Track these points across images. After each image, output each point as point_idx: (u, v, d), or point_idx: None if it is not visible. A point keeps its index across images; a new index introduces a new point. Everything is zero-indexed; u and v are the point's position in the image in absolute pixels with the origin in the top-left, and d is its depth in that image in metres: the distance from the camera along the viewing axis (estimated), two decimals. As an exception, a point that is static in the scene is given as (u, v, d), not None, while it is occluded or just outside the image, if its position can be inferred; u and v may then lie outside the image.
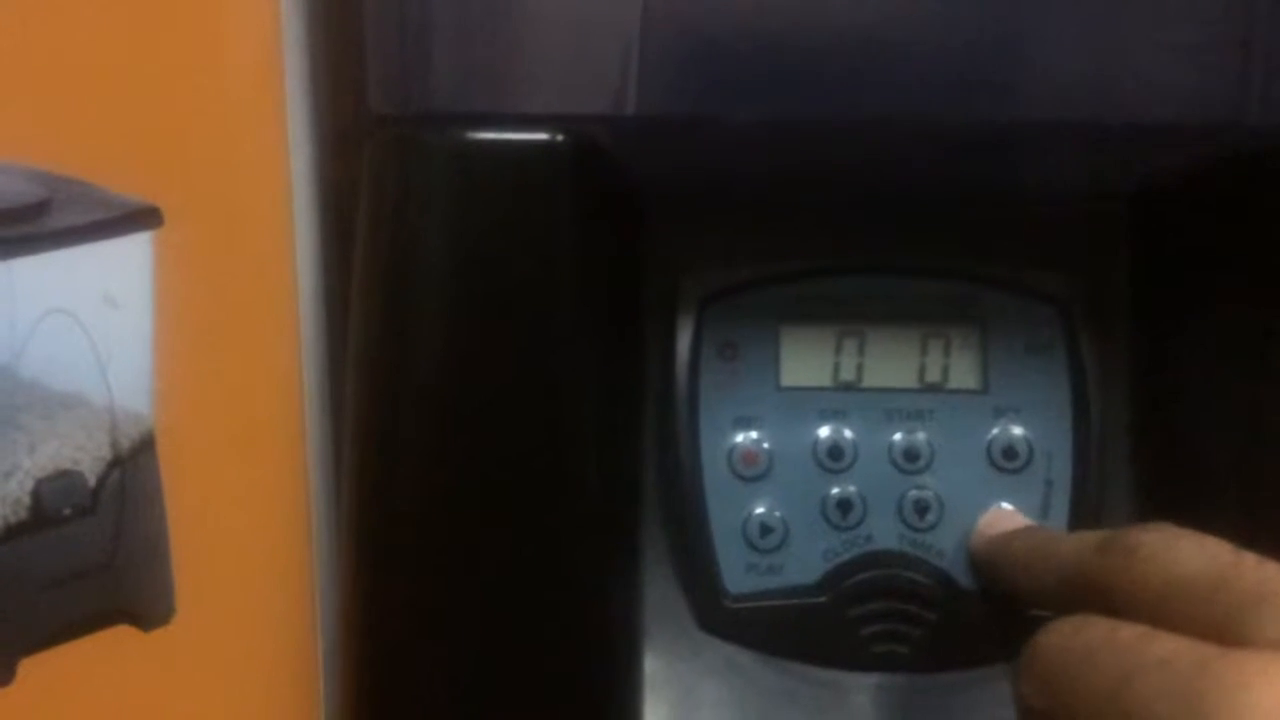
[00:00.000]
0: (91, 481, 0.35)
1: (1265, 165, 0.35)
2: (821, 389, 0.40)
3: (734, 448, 0.39)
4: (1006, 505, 0.39)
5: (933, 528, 0.39)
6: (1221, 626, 0.26)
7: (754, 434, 0.39)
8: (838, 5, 0.33)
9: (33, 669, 0.34)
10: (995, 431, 0.39)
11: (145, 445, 0.36)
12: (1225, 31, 0.33)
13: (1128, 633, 0.27)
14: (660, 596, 0.39)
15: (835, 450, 0.39)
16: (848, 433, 0.39)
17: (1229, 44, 0.33)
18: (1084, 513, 0.39)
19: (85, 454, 0.35)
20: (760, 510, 0.39)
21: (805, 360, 0.40)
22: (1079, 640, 0.28)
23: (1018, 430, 0.39)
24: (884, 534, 0.39)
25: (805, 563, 0.39)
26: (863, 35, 0.33)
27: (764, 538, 0.39)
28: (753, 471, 0.39)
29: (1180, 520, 0.35)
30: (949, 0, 0.33)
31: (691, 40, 0.33)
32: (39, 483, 0.34)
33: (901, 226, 0.40)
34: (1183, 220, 0.38)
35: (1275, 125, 0.33)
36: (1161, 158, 0.37)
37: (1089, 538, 0.31)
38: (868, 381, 0.40)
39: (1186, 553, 0.28)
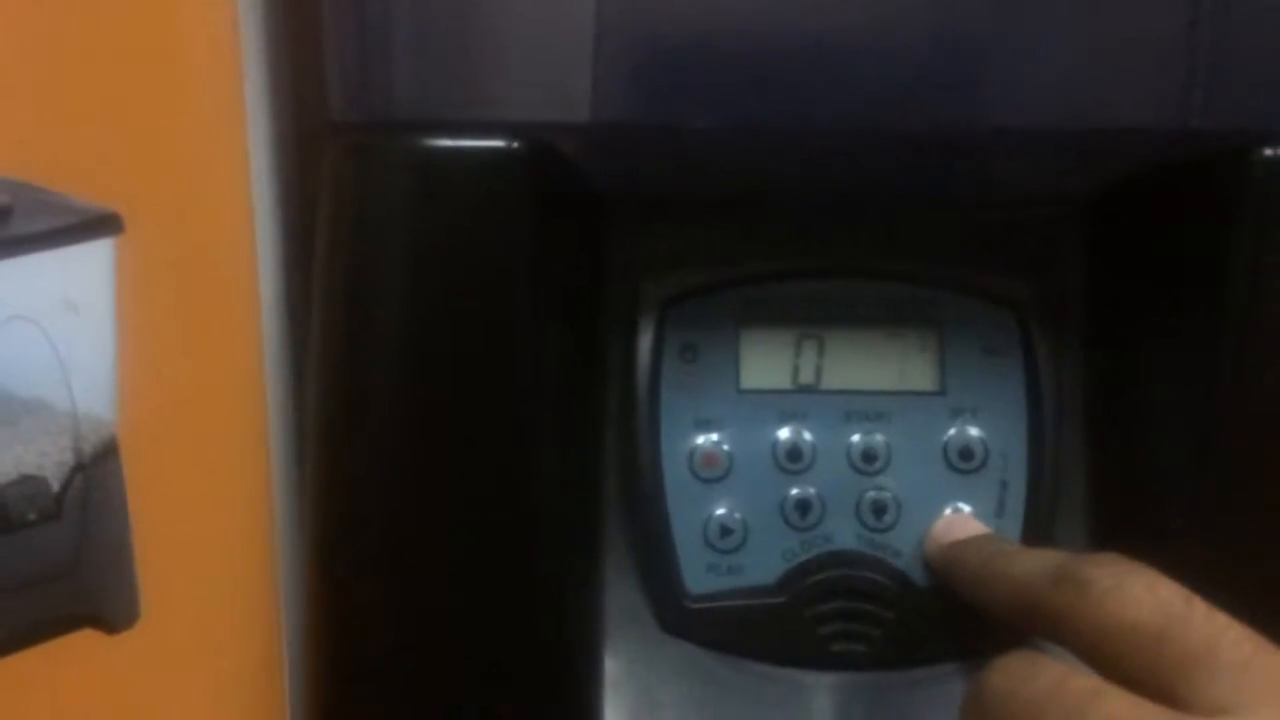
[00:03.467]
0: (55, 486, 0.35)
1: (1210, 169, 0.35)
2: (781, 391, 0.40)
3: (694, 449, 0.40)
4: (963, 507, 0.39)
5: (890, 528, 0.39)
6: (1166, 682, 0.26)
7: (714, 436, 0.40)
8: (792, 12, 0.33)
9: (-3, 673, 0.34)
10: (952, 432, 0.40)
11: (108, 450, 0.36)
12: (1169, 38, 0.33)
13: (1076, 685, 0.27)
14: (621, 597, 0.40)
15: (794, 452, 0.40)
16: (807, 434, 0.40)
17: (1173, 50, 0.33)
18: (1038, 512, 0.39)
19: (48, 459, 0.35)
20: (720, 511, 0.40)
21: (765, 363, 0.40)
22: (1027, 689, 0.28)
23: (974, 431, 0.40)
24: (842, 534, 0.39)
25: (765, 563, 0.39)
26: (818, 42, 0.34)
27: (724, 538, 0.39)
28: (713, 473, 0.40)
29: (1134, 524, 0.36)
30: (904, 8, 0.34)
31: (646, 47, 0.33)
32: (3, 488, 0.34)
33: (860, 230, 0.40)
34: (1135, 224, 0.39)
35: (1219, 130, 0.34)
36: (1112, 162, 0.37)
37: (1040, 562, 0.32)
38: (826, 384, 0.40)
39: (1136, 597, 0.28)
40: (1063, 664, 0.28)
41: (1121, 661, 0.27)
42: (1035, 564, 0.32)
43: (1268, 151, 0.34)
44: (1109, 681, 0.27)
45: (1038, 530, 0.39)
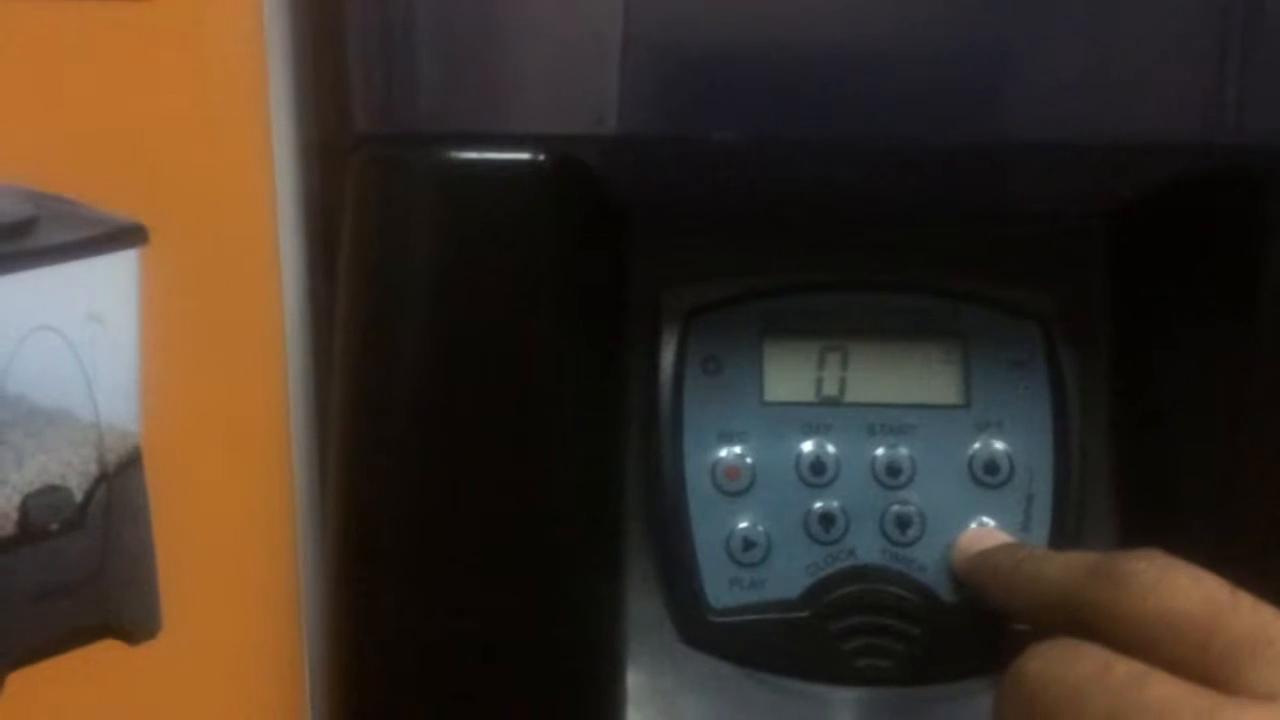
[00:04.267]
0: (78, 497, 0.35)
1: (1237, 183, 0.35)
2: (804, 404, 0.40)
3: (717, 462, 0.40)
4: (988, 521, 0.39)
5: (915, 542, 0.39)
6: (1215, 670, 0.26)
7: (737, 449, 0.40)
8: (817, 25, 0.33)
9: (20, 683, 0.34)
10: (977, 446, 0.39)
11: (132, 461, 0.36)
12: (1198, 52, 0.33)
13: (1122, 670, 0.26)
14: (643, 610, 0.39)
15: (818, 465, 0.39)
16: (830, 447, 0.40)
17: (1202, 65, 0.33)
18: (1065, 527, 0.39)
19: (72, 469, 0.35)
20: (743, 525, 0.39)
21: (788, 375, 0.40)
22: (1070, 673, 0.27)
23: (999, 445, 0.39)
24: (866, 548, 0.39)
25: (788, 577, 0.39)
26: (843, 54, 0.34)
27: (747, 552, 0.39)
28: (736, 486, 0.39)
29: (1161, 535, 0.36)
30: (929, 21, 0.34)
31: (672, 59, 0.33)
32: (26, 498, 0.34)
33: (883, 242, 0.40)
34: (1161, 237, 0.39)
35: (1246, 144, 0.34)
36: (1138, 176, 0.37)
37: (1076, 560, 0.31)
38: (850, 396, 0.40)
39: (1182, 588, 0.27)
40: (1106, 650, 0.27)
41: (1167, 652, 0.27)
42: (1071, 561, 0.31)
43: (1299, 165, 0.34)
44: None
45: (1064, 545, 0.39)
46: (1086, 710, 0.26)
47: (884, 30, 0.34)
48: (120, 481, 0.36)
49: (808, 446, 0.40)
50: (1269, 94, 0.33)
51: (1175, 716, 0.25)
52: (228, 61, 0.36)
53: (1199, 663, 0.26)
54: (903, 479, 0.39)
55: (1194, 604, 0.27)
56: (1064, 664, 0.28)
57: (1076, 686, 0.27)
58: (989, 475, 0.39)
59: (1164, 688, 0.25)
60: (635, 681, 0.39)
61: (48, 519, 0.35)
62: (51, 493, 0.35)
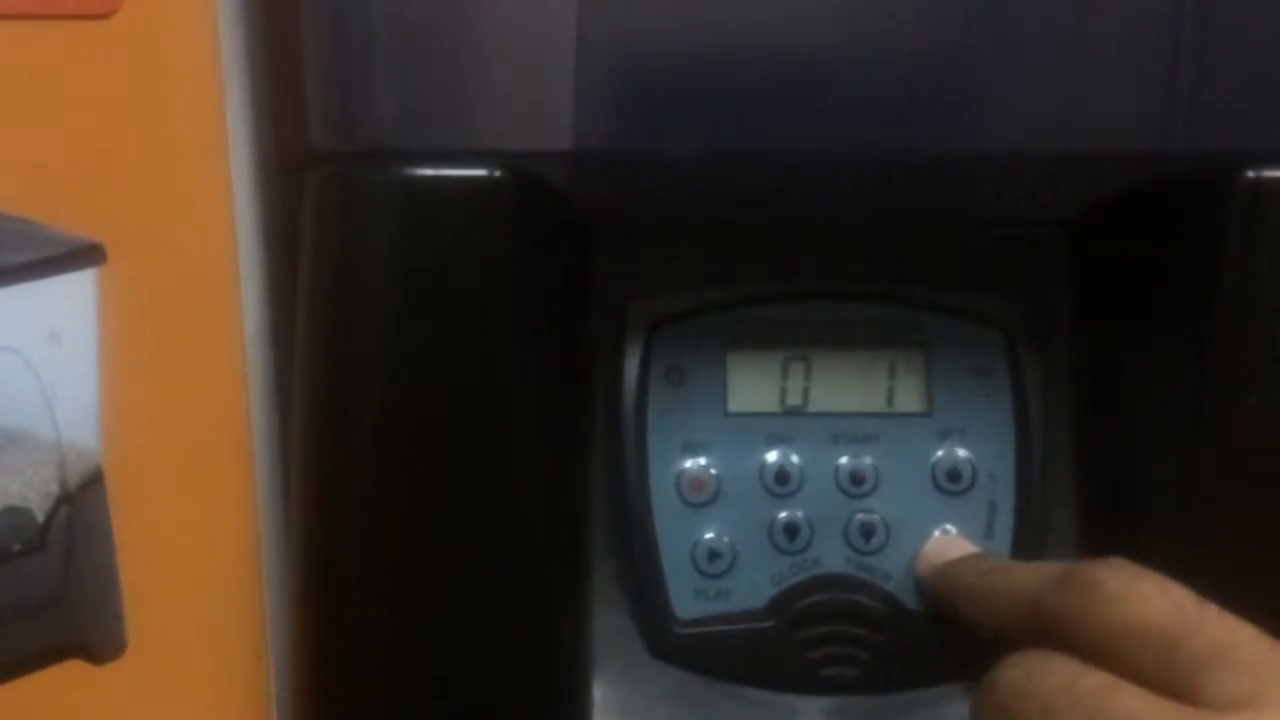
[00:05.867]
0: (40, 518, 0.35)
1: (1192, 191, 0.36)
2: (768, 414, 0.40)
3: (682, 473, 0.40)
4: (951, 529, 0.39)
5: (879, 550, 0.39)
6: (1181, 680, 0.26)
7: (702, 460, 0.40)
8: (772, 37, 0.33)
9: (-16, 704, 0.34)
10: (939, 454, 0.40)
11: (93, 481, 0.36)
12: (1151, 62, 0.33)
13: (1090, 682, 0.27)
14: (609, 623, 0.40)
15: (782, 475, 0.39)
16: (794, 457, 0.40)
17: (1155, 75, 0.33)
18: (1027, 533, 0.39)
19: (33, 490, 0.35)
20: (709, 536, 0.39)
21: (752, 385, 0.40)
22: (1040, 685, 0.27)
23: (962, 453, 0.40)
24: (831, 557, 0.39)
25: (753, 587, 0.39)
26: (800, 66, 0.34)
27: (712, 563, 0.39)
28: (701, 497, 0.40)
29: (1123, 542, 0.36)
30: (887, 32, 0.34)
31: (627, 73, 0.33)
32: (-13, 519, 0.34)
33: (846, 252, 0.40)
34: (1121, 244, 0.39)
35: (1201, 152, 0.34)
36: (1095, 184, 0.37)
37: (1043, 570, 0.31)
38: (814, 406, 0.40)
39: (1148, 597, 0.28)
40: (1075, 661, 0.28)
41: (1134, 661, 0.27)
42: (1037, 571, 0.32)
43: (1250, 173, 0.34)
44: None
45: (1027, 551, 0.39)
46: None
47: (842, 41, 0.34)
48: (82, 501, 0.36)
49: (772, 457, 0.40)
50: (1219, 104, 0.34)
51: None
52: (184, 80, 0.36)
53: (1166, 672, 0.26)
54: (866, 488, 0.39)
55: (1161, 614, 0.27)
56: (1034, 676, 0.28)
57: (1046, 699, 0.27)
58: (952, 483, 0.39)
59: (1131, 699, 0.26)
60: (602, 693, 0.39)
61: (9, 540, 0.35)
62: (13, 514, 0.35)
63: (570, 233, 0.38)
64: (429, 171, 0.34)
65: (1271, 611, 0.28)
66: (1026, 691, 0.28)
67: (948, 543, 0.39)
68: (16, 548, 0.35)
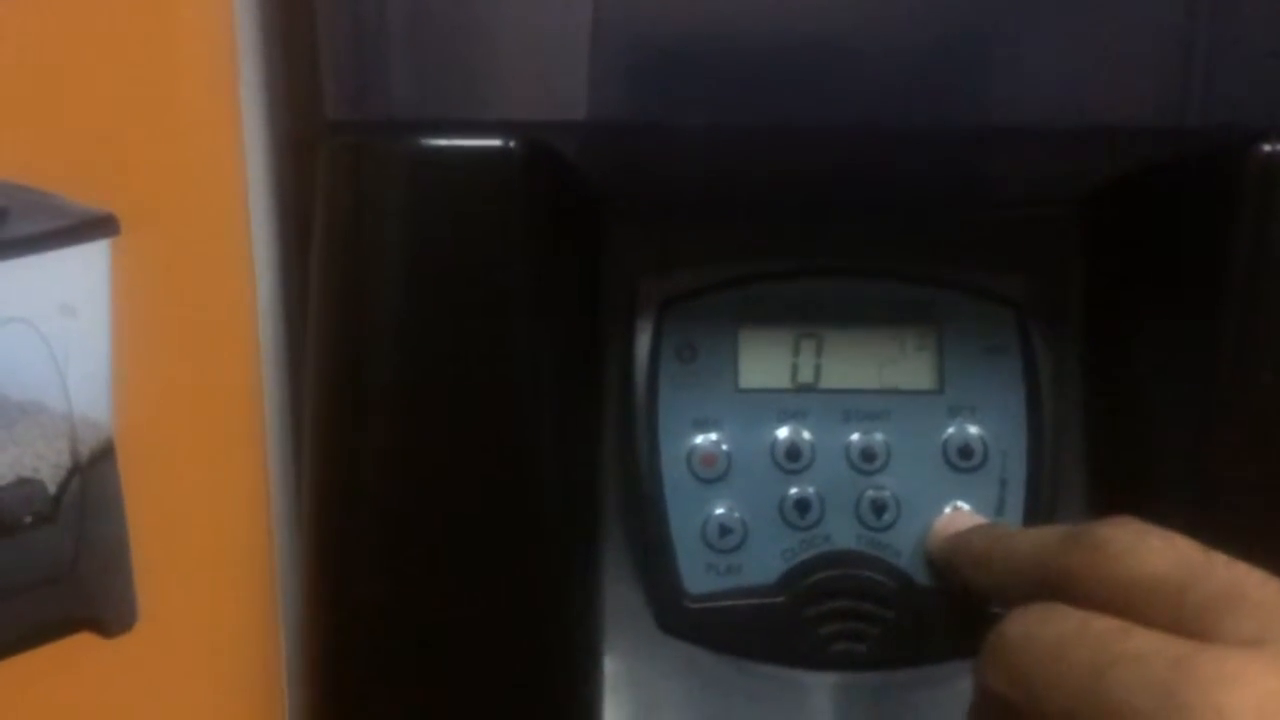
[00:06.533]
0: (52, 489, 0.35)
1: (1205, 166, 0.35)
2: (780, 390, 0.40)
3: (693, 449, 0.40)
4: (963, 505, 0.39)
5: (890, 527, 0.39)
6: (1191, 625, 0.26)
7: (713, 436, 0.40)
8: (787, 10, 0.33)
9: (-5, 677, 0.34)
10: (951, 431, 0.40)
11: (105, 453, 0.36)
12: (1166, 36, 0.33)
13: (1100, 625, 0.27)
14: (620, 597, 0.40)
15: (793, 451, 0.39)
16: (806, 434, 0.40)
17: (1170, 48, 0.33)
18: (1038, 510, 0.39)
19: (45, 462, 0.35)
20: (719, 511, 0.39)
21: (763, 362, 0.40)
22: (1049, 631, 0.27)
23: (973, 429, 0.40)
24: (842, 533, 0.39)
25: (764, 563, 0.39)
26: (814, 40, 0.34)
27: (723, 538, 0.39)
28: (711, 473, 0.40)
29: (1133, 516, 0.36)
30: (898, 6, 0.34)
31: (643, 45, 0.33)
32: (-1, 491, 0.34)
33: (858, 230, 0.40)
34: (1133, 221, 0.39)
35: (1215, 126, 0.34)
36: (1110, 160, 0.37)
37: (1050, 532, 0.31)
38: (825, 383, 0.40)
39: (1156, 549, 0.28)
40: (1084, 610, 0.28)
41: (1144, 613, 0.27)
42: (1045, 534, 0.32)
43: (1265, 147, 0.34)
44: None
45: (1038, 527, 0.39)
46: (1067, 664, 0.26)
47: (857, 15, 0.34)
48: (93, 473, 0.36)
49: (783, 433, 0.40)
50: (1234, 77, 0.34)
51: (1153, 663, 0.25)
52: (198, 50, 0.36)
53: (1175, 620, 0.26)
54: (878, 464, 0.39)
55: (1168, 564, 0.27)
56: (1044, 623, 0.28)
57: (1056, 643, 0.27)
58: (963, 460, 0.39)
59: (1143, 638, 0.26)
60: (613, 668, 0.39)
61: (21, 512, 0.35)
62: (24, 485, 0.35)
63: (583, 207, 0.38)
64: (441, 142, 0.34)
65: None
66: (1036, 639, 0.28)
67: (958, 518, 0.39)
68: (28, 519, 0.35)
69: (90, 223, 0.35)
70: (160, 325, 0.36)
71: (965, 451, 0.39)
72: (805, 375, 0.40)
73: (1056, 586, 0.30)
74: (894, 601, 0.39)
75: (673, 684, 0.39)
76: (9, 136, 0.33)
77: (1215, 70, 0.33)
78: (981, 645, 0.30)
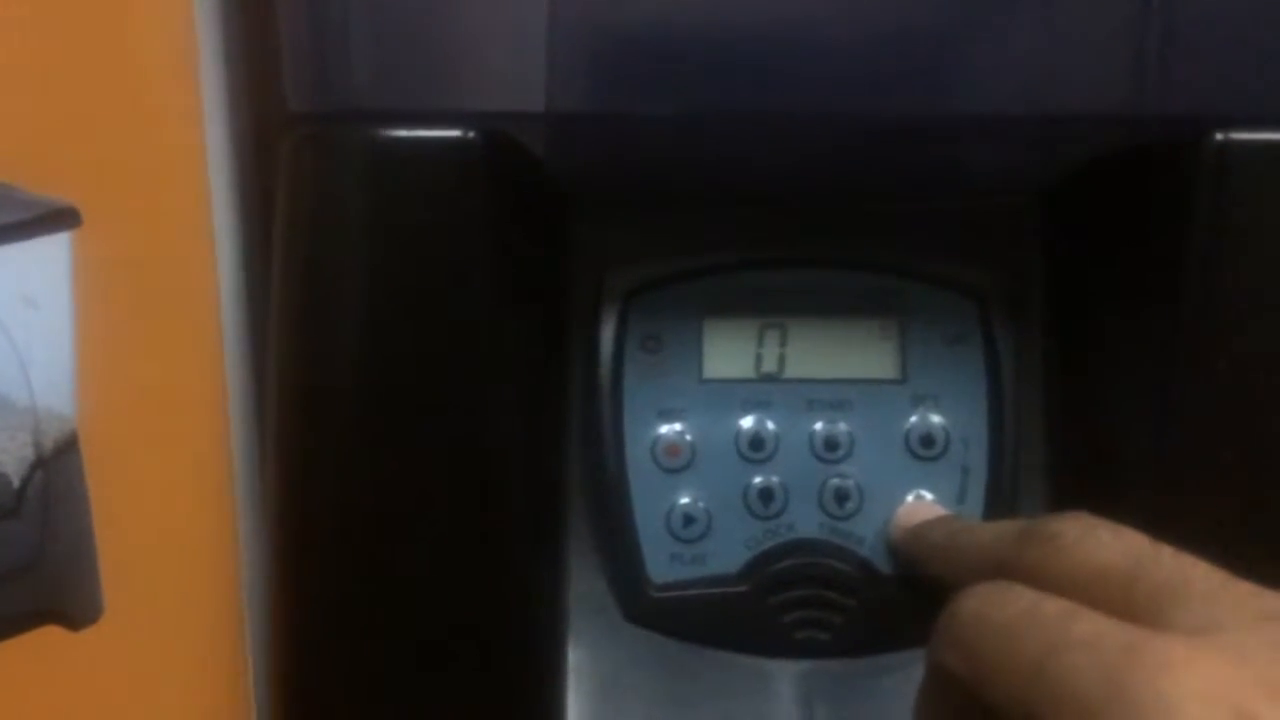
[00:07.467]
0: (15, 483, 0.35)
1: (1165, 156, 0.36)
2: (744, 380, 0.40)
3: (657, 439, 0.40)
4: (925, 494, 0.40)
5: (853, 515, 0.40)
6: (1140, 613, 0.26)
7: (677, 426, 0.40)
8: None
9: (-40, 671, 0.34)
10: (913, 420, 0.40)
11: (68, 445, 0.36)
12: (1121, 23, 0.33)
13: (1051, 607, 0.27)
14: (585, 587, 0.40)
15: (757, 441, 0.40)
16: (769, 423, 0.40)
17: (1125, 36, 0.33)
18: (1000, 499, 0.40)
19: (8, 455, 0.35)
20: (684, 501, 0.40)
21: (727, 352, 0.40)
22: (1002, 611, 0.28)
23: (935, 419, 0.40)
24: (805, 522, 0.40)
25: (728, 552, 0.39)
26: (774, 29, 0.34)
27: (687, 528, 0.39)
28: (676, 463, 0.40)
29: (1094, 508, 0.36)
30: (858, -4, 0.34)
31: (601, 34, 0.34)
32: (-39, 485, 0.34)
33: (822, 220, 0.40)
34: (1094, 212, 0.39)
35: (1173, 115, 0.34)
36: (1069, 149, 0.38)
37: (1007, 526, 0.32)
38: (789, 373, 0.40)
39: (1105, 542, 0.28)
40: (1035, 591, 0.28)
41: (1094, 603, 0.27)
42: (1001, 529, 0.32)
43: (1219, 136, 0.34)
44: None
45: (999, 516, 0.39)
46: (1018, 644, 0.27)
47: (814, 6, 0.34)
48: (57, 466, 0.36)
49: (747, 423, 0.40)
50: (1191, 65, 0.34)
51: (1101, 647, 0.25)
52: (159, 42, 0.36)
53: (1125, 609, 0.27)
54: (841, 453, 0.40)
55: (1117, 555, 0.28)
56: (996, 604, 0.28)
57: (1008, 625, 0.27)
58: (925, 448, 0.40)
59: (1092, 622, 0.26)
60: (577, 657, 0.40)
61: (-15, 505, 0.35)
62: (-12, 479, 0.35)
63: (546, 197, 0.39)
64: (402, 133, 0.34)
65: (1242, 570, 0.28)
66: (988, 619, 0.28)
67: (920, 508, 0.39)
68: (-9, 512, 0.35)
69: (51, 215, 0.34)
70: (123, 317, 0.36)
71: (927, 440, 0.40)
72: (769, 365, 0.40)
73: (1013, 580, 0.30)
74: (857, 589, 0.39)
75: (637, 673, 0.40)
76: (-31, 130, 0.33)
77: (1172, 58, 0.34)
78: (939, 616, 0.30)
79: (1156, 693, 0.24)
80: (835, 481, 0.40)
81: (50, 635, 0.36)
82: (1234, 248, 0.35)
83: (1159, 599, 0.26)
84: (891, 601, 0.39)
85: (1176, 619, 0.26)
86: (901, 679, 0.39)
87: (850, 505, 0.39)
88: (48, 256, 0.35)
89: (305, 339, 0.36)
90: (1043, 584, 0.29)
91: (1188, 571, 0.27)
